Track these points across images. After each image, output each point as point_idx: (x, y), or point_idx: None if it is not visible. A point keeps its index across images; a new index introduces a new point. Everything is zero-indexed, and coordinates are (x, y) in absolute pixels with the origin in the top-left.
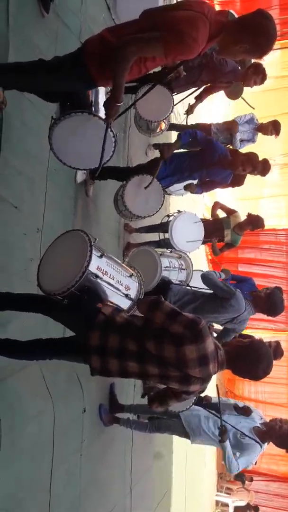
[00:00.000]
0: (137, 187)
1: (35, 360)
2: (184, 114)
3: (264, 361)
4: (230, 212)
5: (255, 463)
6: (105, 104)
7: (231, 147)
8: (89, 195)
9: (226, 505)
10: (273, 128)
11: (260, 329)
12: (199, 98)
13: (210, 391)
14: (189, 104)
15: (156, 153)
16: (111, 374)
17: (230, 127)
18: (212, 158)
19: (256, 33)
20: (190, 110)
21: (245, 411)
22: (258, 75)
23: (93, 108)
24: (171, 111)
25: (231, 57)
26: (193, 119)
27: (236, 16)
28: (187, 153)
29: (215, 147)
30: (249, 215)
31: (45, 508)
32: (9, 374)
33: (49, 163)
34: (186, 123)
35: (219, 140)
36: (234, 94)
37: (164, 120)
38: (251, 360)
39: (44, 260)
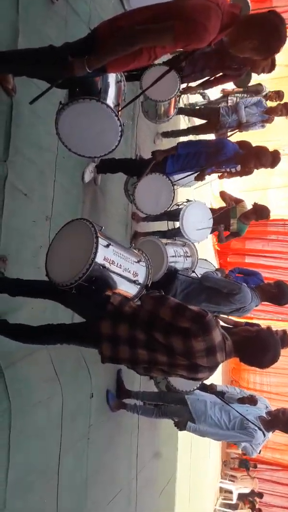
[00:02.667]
0: (147, 188)
1: (46, 344)
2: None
3: (272, 350)
4: (237, 202)
5: (259, 452)
6: (75, 60)
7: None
8: (97, 183)
9: (230, 492)
10: (283, 107)
11: (266, 319)
12: (208, 83)
13: (216, 379)
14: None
15: (164, 143)
16: (122, 362)
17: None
18: (223, 156)
19: (268, 31)
20: (187, 90)
21: (251, 401)
22: (267, 63)
23: (101, 95)
24: (178, 91)
25: (238, 52)
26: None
27: (250, 4)
28: (195, 152)
29: (225, 150)
30: (255, 205)
31: (54, 490)
32: (19, 359)
33: (58, 151)
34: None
35: (228, 123)
36: (242, 82)
37: (172, 104)
38: (259, 349)
39: (51, 251)
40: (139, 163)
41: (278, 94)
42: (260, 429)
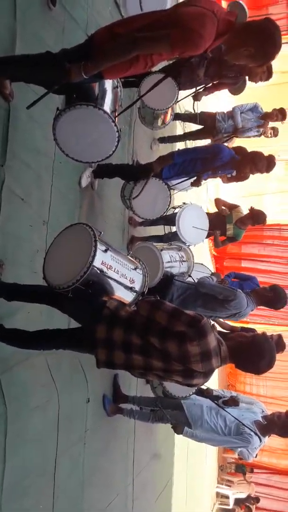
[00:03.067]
0: (144, 193)
1: (42, 350)
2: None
3: (267, 356)
4: (232, 207)
5: (256, 456)
6: (72, 66)
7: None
8: (94, 188)
9: (227, 497)
10: (279, 113)
11: (262, 324)
12: (206, 90)
13: (212, 384)
14: (196, 89)
15: (160, 149)
16: (117, 367)
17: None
18: (219, 162)
19: (264, 39)
20: (196, 97)
21: (233, 402)
22: (264, 71)
23: (98, 101)
24: (176, 100)
25: (234, 59)
26: (200, 107)
27: (246, 8)
28: (191, 158)
29: (221, 156)
30: (252, 210)
31: (49, 495)
32: (15, 364)
33: (55, 156)
34: (193, 109)
35: (224, 129)
36: (237, 89)
37: (169, 112)
38: (254, 355)
39: (50, 254)
40: (136, 168)
41: (273, 130)
42: (256, 434)
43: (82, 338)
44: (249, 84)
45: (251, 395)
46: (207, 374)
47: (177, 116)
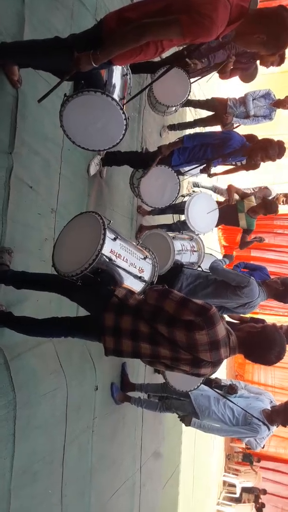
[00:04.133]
0: (152, 180)
1: (51, 337)
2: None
3: (277, 347)
4: (244, 196)
5: (263, 447)
6: (81, 55)
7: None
8: (102, 176)
9: (233, 485)
10: None
11: (272, 315)
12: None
13: (221, 374)
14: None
15: (170, 135)
16: (124, 355)
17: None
18: (229, 149)
19: (278, 27)
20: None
21: (231, 390)
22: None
23: (107, 88)
24: (188, 95)
25: (245, 46)
26: (211, 94)
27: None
28: (202, 144)
29: (231, 142)
30: (263, 199)
31: (58, 481)
32: (24, 351)
33: (63, 143)
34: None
35: (235, 115)
36: (248, 76)
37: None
38: (264, 346)
39: (59, 242)
40: (144, 156)
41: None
42: (264, 424)
43: (90, 326)
44: (261, 70)
45: (259, 385)
46: (215, 364)
47: (188, 103)
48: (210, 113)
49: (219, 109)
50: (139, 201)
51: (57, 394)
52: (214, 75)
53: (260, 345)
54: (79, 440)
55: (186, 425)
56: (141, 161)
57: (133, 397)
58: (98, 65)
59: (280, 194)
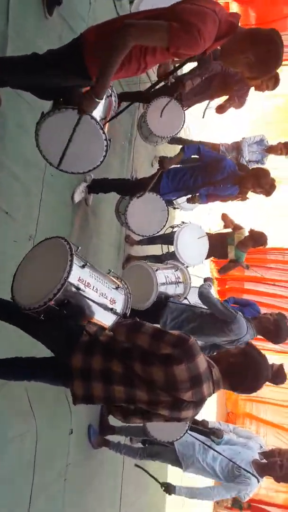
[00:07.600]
0: (140, 207)
1: (13, 380)
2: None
3: (264, 371)
4: (236, 228)
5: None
6: (81, 97)
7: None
8: (88, 203)
9: None
10: (283, 146)
11: (265, 350)
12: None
13: (209, 415)
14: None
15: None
16: (96, 401)
17: (237, 146)
18: (221, 175)
19: (268, 51)
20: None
21: (216, 435)
22: (270, 79)
23: None
24: (182, 127)
25: (230, 65)
26: (204, 138)
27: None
28: (192, 168)
29: (224, 164)
30: (251, 231)
31: None
32: None
33: (46, 168)
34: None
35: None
36: (242, 103)
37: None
38: (251, 375)
39: (20, 270)
40: (133, 184)
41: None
42: (254, 476)
43: (55, 368)
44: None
45: (255, 420)
46: (198, 404)
47: (180, 141)
48: None
49: None
50: (128, 230)
51: (26, 438)
52: (210, 110)
53: (247, 375)
54: (49, 490)
55: (169, 494)
56: (129, 188)
57: (112, 441)
58: (103, 97)
59: (281, 142)
